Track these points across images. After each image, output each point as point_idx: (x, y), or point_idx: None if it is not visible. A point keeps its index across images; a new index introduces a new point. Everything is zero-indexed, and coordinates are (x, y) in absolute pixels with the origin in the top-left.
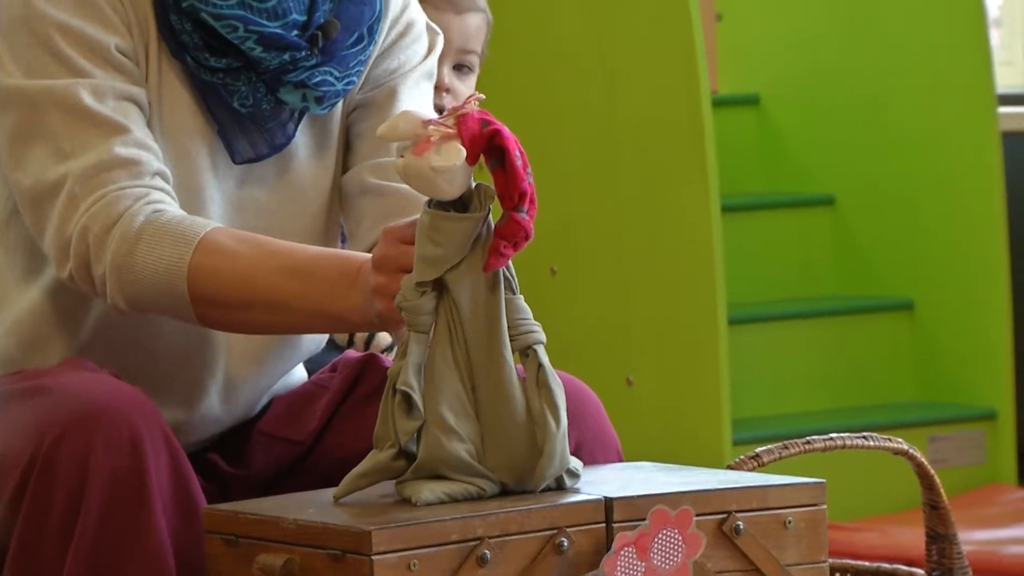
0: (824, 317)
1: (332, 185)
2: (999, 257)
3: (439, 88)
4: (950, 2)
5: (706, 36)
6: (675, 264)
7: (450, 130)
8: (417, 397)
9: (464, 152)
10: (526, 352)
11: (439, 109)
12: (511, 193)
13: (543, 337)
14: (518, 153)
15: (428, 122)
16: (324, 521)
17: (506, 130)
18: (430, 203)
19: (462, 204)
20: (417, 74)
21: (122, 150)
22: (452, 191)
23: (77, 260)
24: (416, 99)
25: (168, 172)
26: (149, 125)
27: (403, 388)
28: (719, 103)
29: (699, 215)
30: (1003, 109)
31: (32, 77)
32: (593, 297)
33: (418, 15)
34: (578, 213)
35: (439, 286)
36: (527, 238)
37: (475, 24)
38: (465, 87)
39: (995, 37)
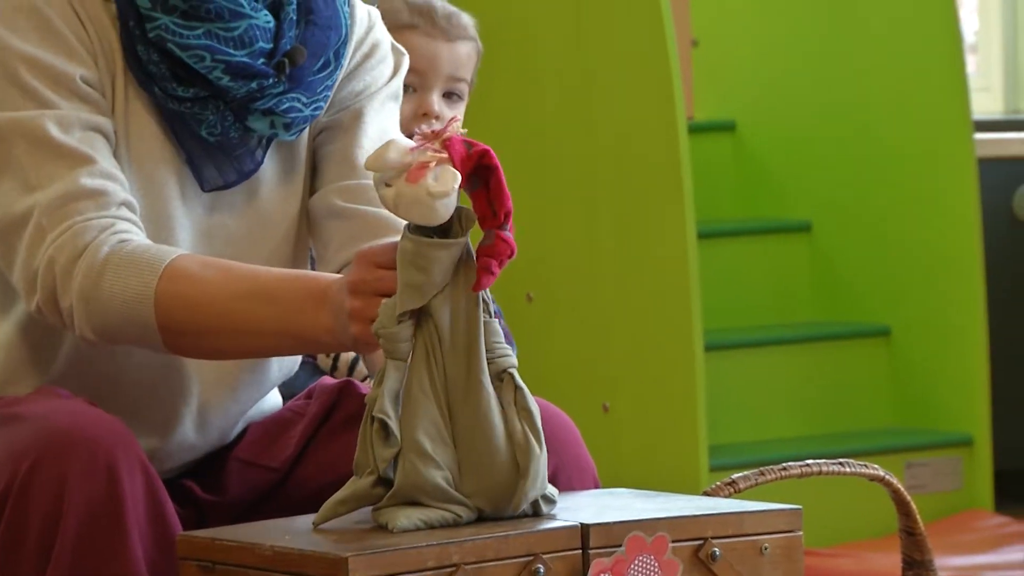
0: (801, 343)
1: (300, 209)
2: (975, 283)
3: (428, 115)
4: (926, 29)
5: (682, 62)
6: (652, 290)
7: (442, 155)
8: (393, 424)
9: (459, 176)
10: (500, 376)
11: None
12: (497, 211)
13: (516, 360)
14: None
15: (416, 148)
16: (301, 548)
17: (490, 149)
18: (411, 229)
19: (442, 229)
20: (383, 95)
21: (88, 181)
22: (446, 215)
23: (44, 292)
24: (382, 121)
25: (135, 202)
26: (116, 154)
27: (379, 416)
28: (695, 129)
29: (675, 241)
30: (979, 135)
31: None
32: (569, 323)
33: (383, 36)
34: (554, 239)
35: (417, 312)
36: (512, 255)
37: (465, 52)
38: (454, 115)
39: (971, 63)
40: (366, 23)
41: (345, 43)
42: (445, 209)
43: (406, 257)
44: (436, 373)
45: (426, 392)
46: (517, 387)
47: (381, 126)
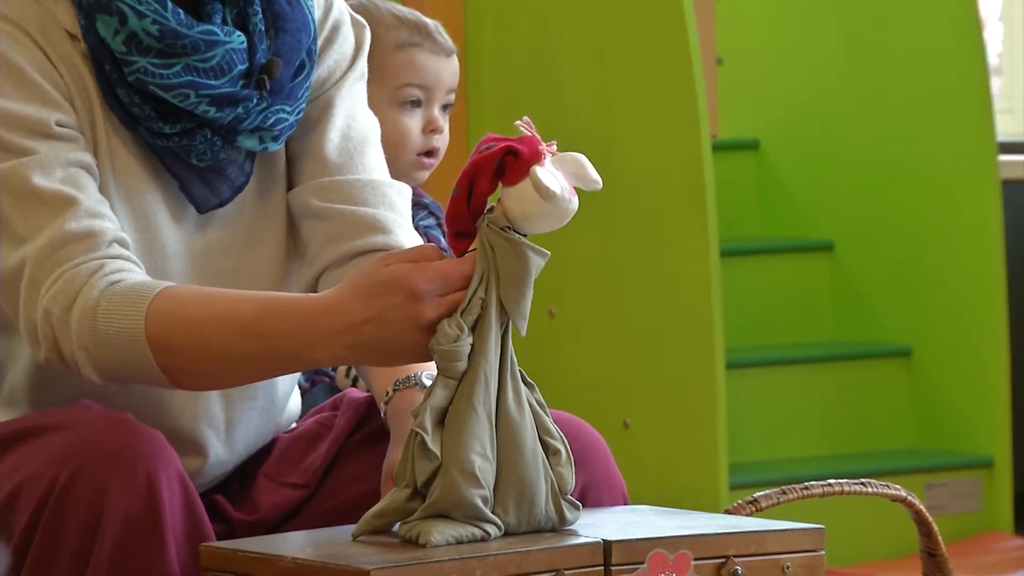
0: (822, 363)
1: (286, 210)
2: (997, 305)
3: (436, 130)
4: (951, 50)
5: (707, 80)
6: (674, 308)
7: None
8: (430, 441)
9: None
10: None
11: (432, 151)
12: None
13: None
14: None
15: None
16: (323, 560)
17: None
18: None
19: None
20: (350, 80)
21: (74, 225)
22: None
23: (47, 344)
24: (349, 107)
25: (126, 237)
26: (104, 189)
27: (418, 430)
28: (719, 148)
29: (698, 259)
30: (1003, 157)
31: None
32: (591, 340)
33: (342, 14)
34: (577, 256)
35: (475, 324)
36: None
37: (457, 65)
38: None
39: (995, 85)
40: (323, 3)
41: (315, 40)
42: None
43: (533, 269)
44: (490, 382)
45: (475, 407)
46: (530, 384)
47: (348, 114)
